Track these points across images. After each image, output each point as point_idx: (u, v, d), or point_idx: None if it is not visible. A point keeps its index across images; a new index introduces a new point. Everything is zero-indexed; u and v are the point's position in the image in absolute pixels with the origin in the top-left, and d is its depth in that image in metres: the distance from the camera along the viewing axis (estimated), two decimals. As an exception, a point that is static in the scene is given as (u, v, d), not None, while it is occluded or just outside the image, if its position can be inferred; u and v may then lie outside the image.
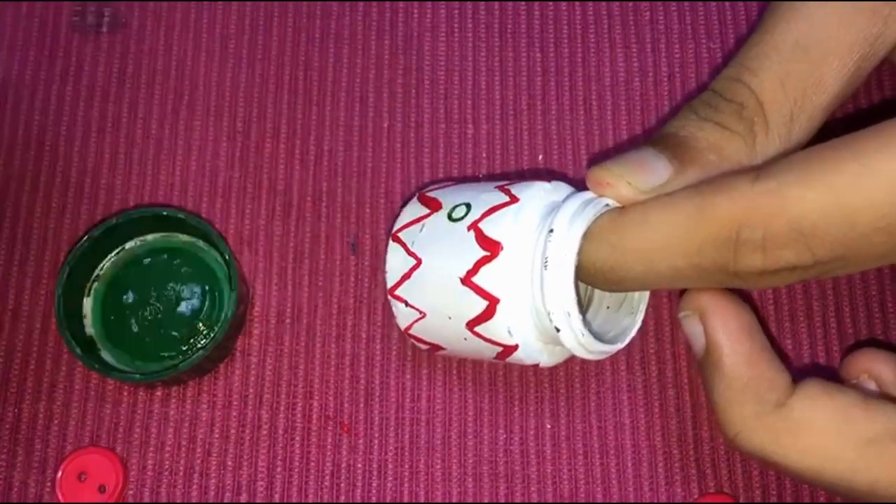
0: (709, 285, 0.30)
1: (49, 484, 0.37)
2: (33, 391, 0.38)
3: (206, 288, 0.38)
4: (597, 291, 0.35)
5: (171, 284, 0.38)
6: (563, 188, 0.33)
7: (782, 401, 0.30)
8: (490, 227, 0.32)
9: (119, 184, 0.41)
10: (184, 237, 0.39)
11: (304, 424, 0.38)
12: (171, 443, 0.37)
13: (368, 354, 0.39)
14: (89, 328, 0.38)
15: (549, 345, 0.33)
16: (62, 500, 0.36)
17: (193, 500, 0.37)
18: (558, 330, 0.31)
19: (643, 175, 0.30)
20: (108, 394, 0.38)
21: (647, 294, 0.34)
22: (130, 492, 0.37)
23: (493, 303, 0.31)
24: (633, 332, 0.34)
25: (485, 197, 0.33)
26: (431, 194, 0.35)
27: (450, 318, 0.33)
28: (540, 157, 0.41)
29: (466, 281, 0.32)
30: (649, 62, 0.43)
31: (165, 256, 0.38)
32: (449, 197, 0.34)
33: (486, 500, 0.37)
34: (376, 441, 0.37)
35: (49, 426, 0.37)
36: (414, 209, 0.35)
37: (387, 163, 0.41)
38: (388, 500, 0.37)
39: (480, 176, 0.41)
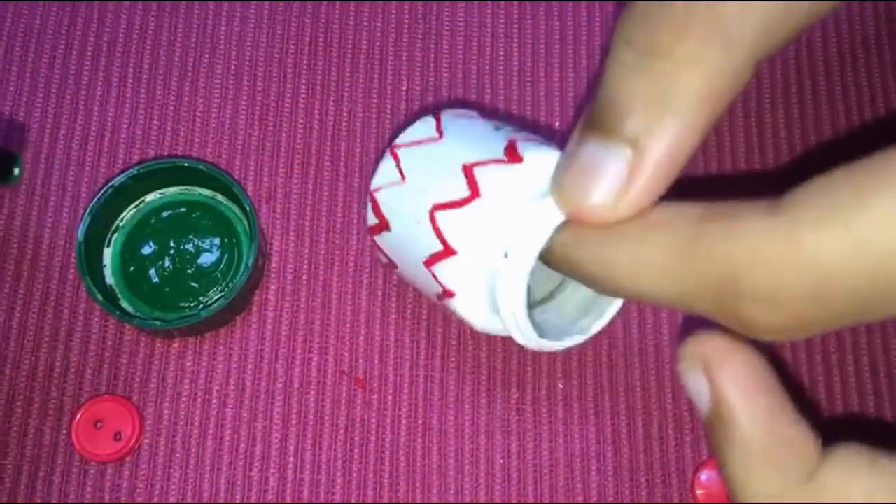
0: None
1: (65, 431, 0.37)
2: (50, 339, 0.38)
3: (225, 241, 0.38)
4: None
5: (190, 236, 0.38)
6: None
7: (812, 472, 0.23)
8: (480, 174, 0.31)
9: (139, 137, 0.41)
10: (203, 191, 0.39)
11: (320, 379, 0.38)
12: (188, 393, 0.38)
13: (384, 312, 0.39)
14: (109, 278, 0.38)
15: (491, 313, 0.32)
16: (77, 447, 0.36)
17: (209, 450, 0.37)
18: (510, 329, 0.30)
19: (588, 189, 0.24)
20: (125, 344, 0.38)
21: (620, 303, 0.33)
22: (146, 440, 0.37)
23: (449, 252, 0.31)
24: (592, 332, 0.33)
25: (485, 148, 0.32)
26: (444, 122, 0.34)
27: (410, 245, 0.32)
28: (556, 124, 0.42)
29: (432, 217, 0.31)
30: (666, 34, 0.43)
31: (184, 209, 0.39)
32: (456, 132, 0.33)
33: (497, 455, 0.37)
34: (390, 396, 0.38)
35: (66, 374, 0.38)
36: (425, 127, 0.34)
37: (405, 125, 0.42)
38: (400, 454, 0.37)
39: (500, 111, 0.41)
